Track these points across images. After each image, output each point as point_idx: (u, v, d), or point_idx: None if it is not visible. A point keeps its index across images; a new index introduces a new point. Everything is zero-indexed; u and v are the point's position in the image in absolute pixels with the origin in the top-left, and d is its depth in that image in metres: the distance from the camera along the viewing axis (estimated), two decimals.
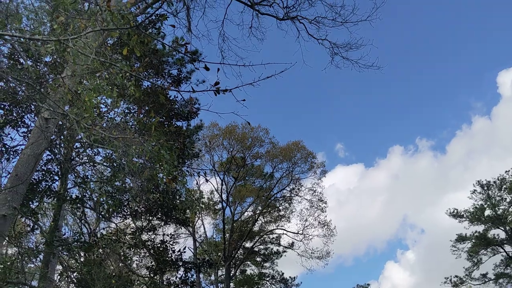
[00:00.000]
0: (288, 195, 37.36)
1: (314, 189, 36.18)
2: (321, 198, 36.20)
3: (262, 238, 40.60)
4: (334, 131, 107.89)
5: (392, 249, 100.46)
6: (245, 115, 6.23)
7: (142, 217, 17.73)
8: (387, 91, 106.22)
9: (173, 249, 18.18)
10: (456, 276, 47.41)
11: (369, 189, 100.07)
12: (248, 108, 6.84)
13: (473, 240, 45.24)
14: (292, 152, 34.32)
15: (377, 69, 10.85)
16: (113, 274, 14.40)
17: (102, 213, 15.64)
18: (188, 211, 24.00)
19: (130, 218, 17.75)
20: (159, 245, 17.49)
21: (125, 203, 15.87)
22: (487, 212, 44.74)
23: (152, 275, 17.65)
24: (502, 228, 44.20)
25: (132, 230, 18.05)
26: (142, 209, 17.16)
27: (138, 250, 19.82)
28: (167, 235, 18.62)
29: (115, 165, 13.58)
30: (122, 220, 17.59)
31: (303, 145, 34.64)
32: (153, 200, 16.55)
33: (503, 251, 45.03)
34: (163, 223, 19.09)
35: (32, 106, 12.14)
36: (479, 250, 45.41)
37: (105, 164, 14.46)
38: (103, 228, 21.16)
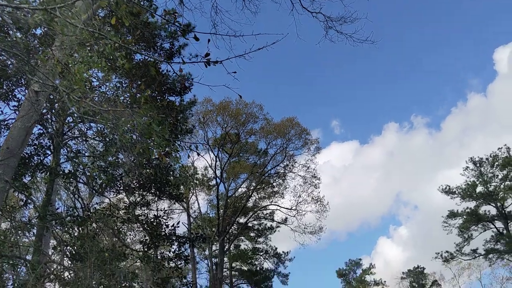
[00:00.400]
0: (282, 171, 37.56)
1: (308, 165, 36.39)
2: (314, 174, 36.46)
3: (255, 214, 40.96)
4: (330, 108, 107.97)
5: (385, 225, 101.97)
6: (237, 88, 6.20)
7: (136, 192, 17.79)
8: (383, 67, 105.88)
9: (166, 224, 18.25)
10: (447, 252, 48.27)
11: (364, 166, 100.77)
12: (239, 81, 6.80)
13: (465, 216, 45.87)
14: (286, 128, 34.35)
15: (372, 43, 10.78)
16: (107, 248, 14.52)
17: (95, 187, 15.68)
18: (182, 187, 24.10)
19: (124, 193, 17.80)
20: (152, 219, 17.58)
21: (118, 178, 15.89)
22: (479, 188, 45.29)
23: (145, 249, 17.79)
24: (493, 205, 44.78)
25: (125, 205, 18.11)
26: (136, 184, 17.20)
27: (132, 225, 19.94)
28: (161, 210, 18.71)
29: (108, 140, 13.55)
30: (115, 195, 17.64)
31: (297, 122, 34.69)
32: (146, 175, 16.57)
33: (493, 227, 45.74)
34: (156, 198, 19.16)
35: (23, 80, 12.01)
36: (470, 226, 46.09)
37: (97, 139, 14.43)
38: (97, 203, 21.21)
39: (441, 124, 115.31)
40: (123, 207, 18.53)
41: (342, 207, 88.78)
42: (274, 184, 38.70)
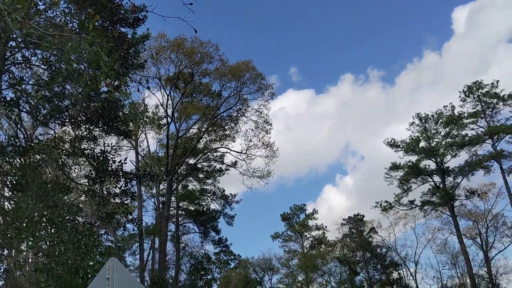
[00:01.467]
0: (234, 115, 37.56)
1: (261, 110, 36.53)
2: (266, 120, 36.72)
3: (205, 156, 41.19)
4: (289, 55, 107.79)
5: (332, 173, 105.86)
6: (192, 22, 6.05)
7: (82, 125, 17.35)
8: (345, 18, 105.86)
9: (113, 159, 18.06)
10: (386, 201, 50.82)
11: (317, 115, 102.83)
12: (196, 14, 6.65)
13: (406, 169, 48.02)
14: (241, 71, 34.02)
15: None
16: (50, 180, 14.28)
17: (39, 118, 15.16)
18: (131, 124, 23.69)
19: (69, 126, 17.33)
20: (99, 154, 17.32)
21: (64, 109, 15.38)
22: (422, 143, 47.34)
23: (91, 183, 17.64)
24: (434, 160, 47.09)
25: (71, 137, 17.68)
26: (82, 117, 16.75)
27: (77, 159, 19.61)
28: (108, 146, 18.36)
29: (53, 68, 12.96)
30: (60, 127, 17.13)
31: (253, 66, 34.36)
32: (93, 108, 16.14)
33: (431, 180, 48.32)
34: (104, 133, 18.80)
35: None
36: (410, 178, 48.42)
37: (42, 66, 13.77)
38: (40, 134, 20.57)
39: (395, 79, 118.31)
40: (69, 140, 18.09)
41: (292, 154, 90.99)
42: (226, 127, 38.79)
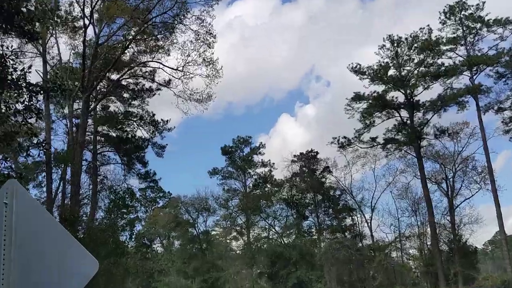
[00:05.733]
0: (170, 21, 36.51)
1: (203, 18, 35.67)
2: (209, 30, 36.02)
3: (132, 70, 40.34)
4: None
5: (291, 101, 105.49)
6: None
7: None
8: None
9: (14, 67, 17.38)
10: (345, 137, 51.96)
11: (280, 29, 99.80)
12: None
13: (370, 101, 48.81)
14: None
15: None
16: None
17: None
18: (37, 23, 22.54)
19: None
20: None
21: None
22: (391, 71, 48.11)
23: None
24: (403, 91, 48.13)
25: None
26: None
27: None
28: (7, 49, 17.53)
29: None
30: None
31: None
32: None
33: (398, 115, 49.56)
34: (2, 32, 17.90)
35: None
36: (374, 111, 49.40)
37: None
38: None
39: None
40: None
41: (245, 75, 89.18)
42: (159, 36, 37.80)
